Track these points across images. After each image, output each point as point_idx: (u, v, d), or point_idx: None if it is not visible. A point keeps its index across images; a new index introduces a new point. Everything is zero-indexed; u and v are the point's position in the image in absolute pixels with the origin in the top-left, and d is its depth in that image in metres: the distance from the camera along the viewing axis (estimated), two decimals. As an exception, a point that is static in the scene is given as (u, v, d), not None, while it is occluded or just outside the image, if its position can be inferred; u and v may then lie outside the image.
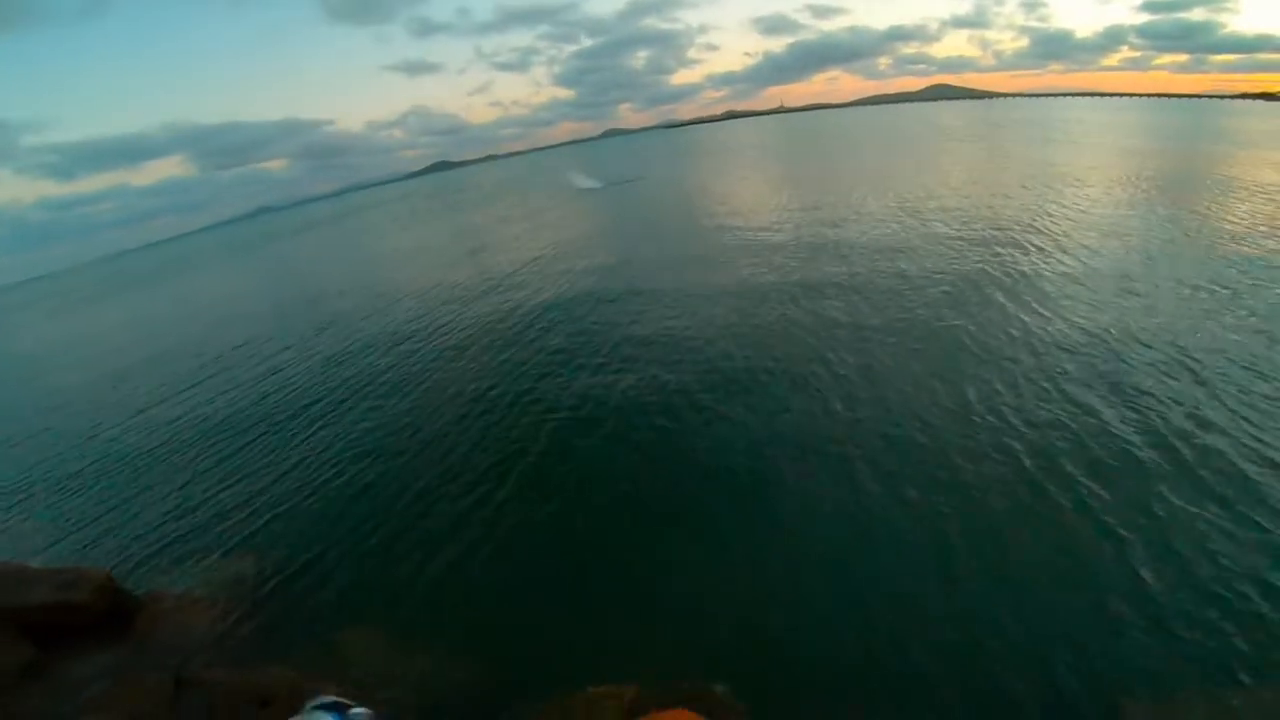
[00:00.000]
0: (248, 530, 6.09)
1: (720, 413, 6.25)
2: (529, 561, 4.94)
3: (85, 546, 6.30)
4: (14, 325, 36.12)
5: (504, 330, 9.92)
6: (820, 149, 42.70)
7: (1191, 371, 5.68)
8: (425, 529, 5.56)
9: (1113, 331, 6.88)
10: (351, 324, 12.42)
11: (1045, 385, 5.83)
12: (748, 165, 34.87)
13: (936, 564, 3.71)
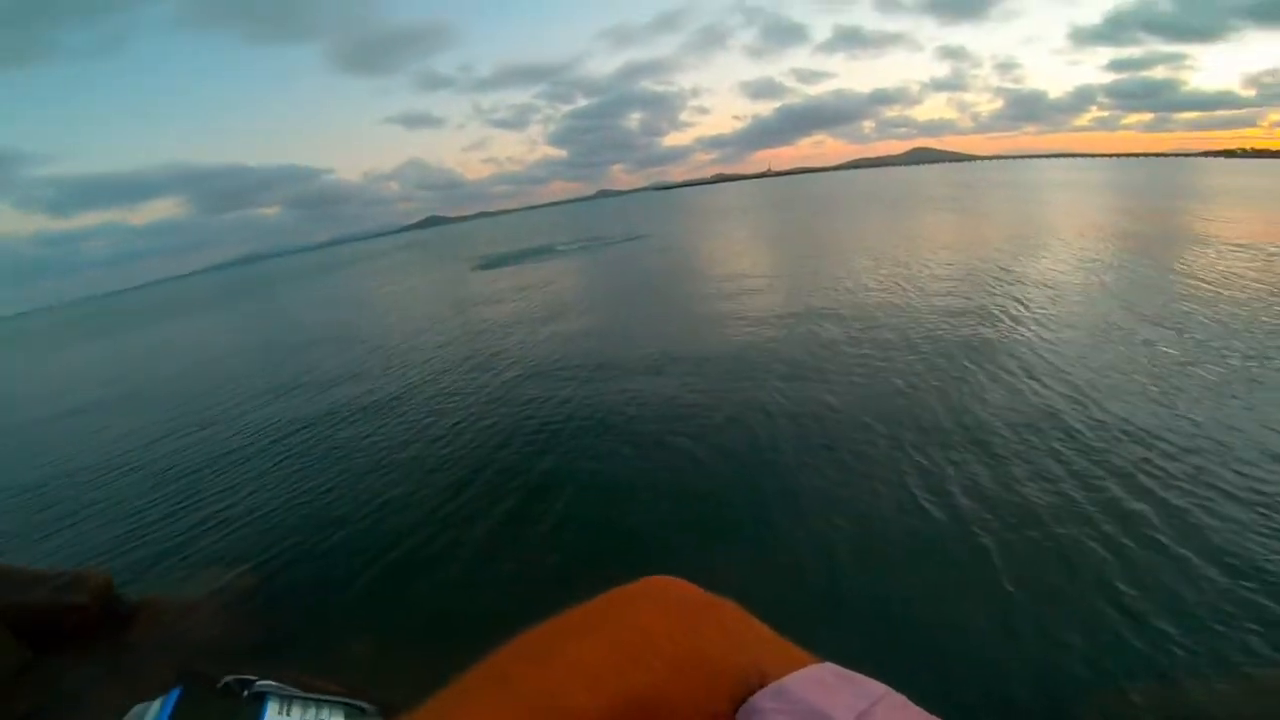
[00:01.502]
0: (249, 543, 6.36)
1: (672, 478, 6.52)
2: (527, 577, 5.23)
3: (87, 550, 6.54)
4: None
5: (484, 380, 10.37)
6: (805, 212, 44.40)
7: (1168, 436, 6.03)
8: (428, 550, 5.87)
9: (1088, 393, 7.34)
10: (352, 367, 12.89)
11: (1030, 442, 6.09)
12: (735, 228, 36.22)
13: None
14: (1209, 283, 11.79)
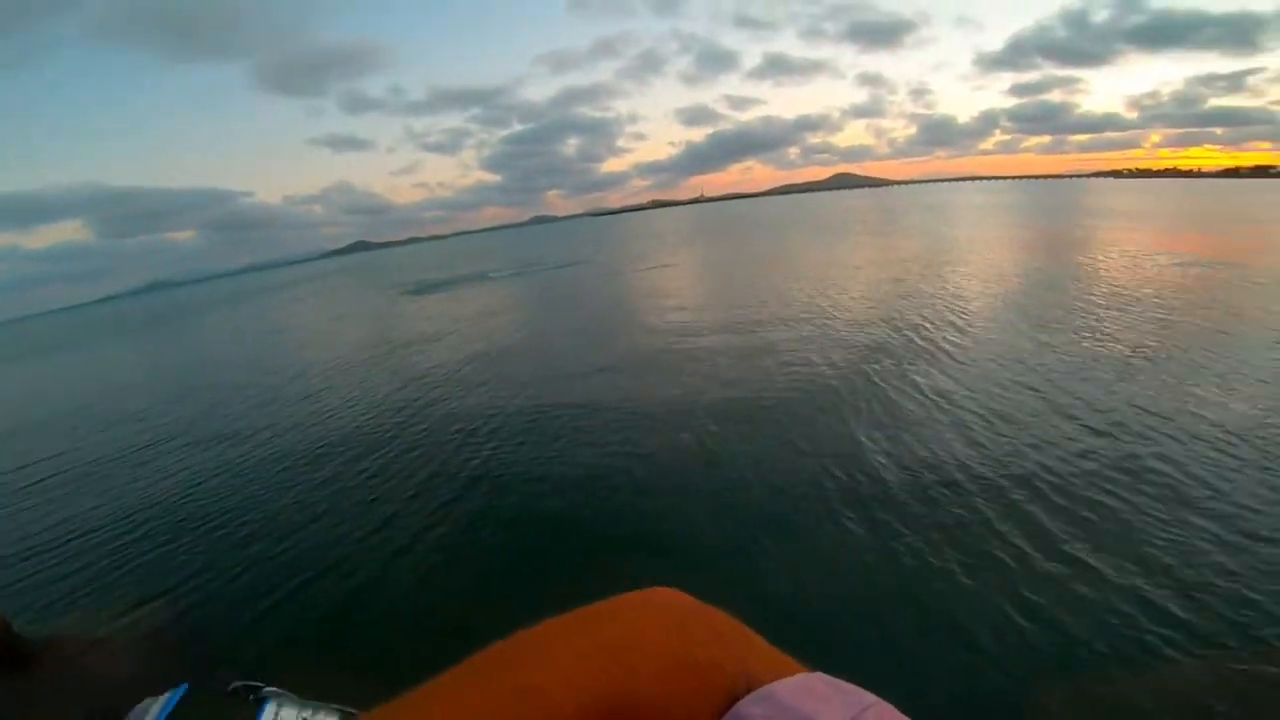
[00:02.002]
0: (160, 576, 5.81)
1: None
2: (452, 604, 4.94)
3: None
4: None
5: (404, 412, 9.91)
6: (738, 238, 45.76)
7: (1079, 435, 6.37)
8: (349, 578, 5.51)
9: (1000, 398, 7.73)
10: (270, 395, 12.08)
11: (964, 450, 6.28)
12: (670, 253, 36.80)
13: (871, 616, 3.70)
14: (1100, 298, 12.89)
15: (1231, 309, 11.09)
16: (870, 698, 0.32)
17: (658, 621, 0.35)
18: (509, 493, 6.42)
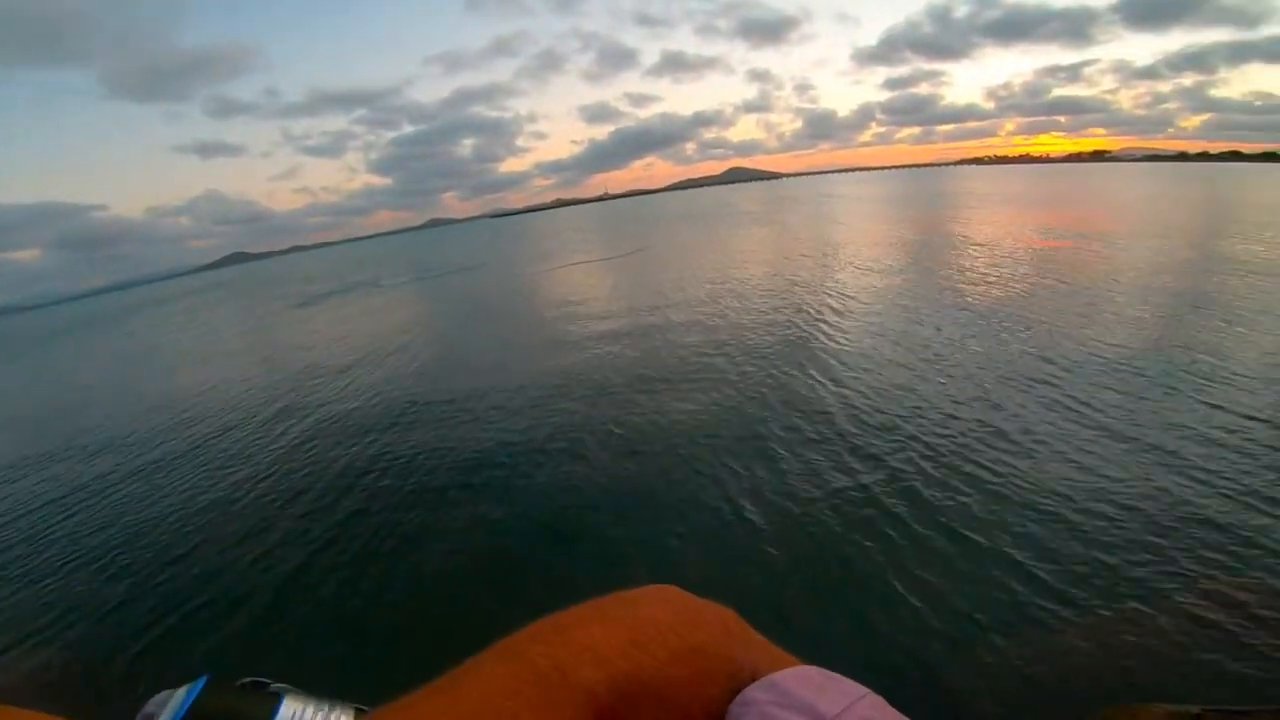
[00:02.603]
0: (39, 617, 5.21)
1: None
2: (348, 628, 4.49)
3: None
4: None
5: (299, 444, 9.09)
6: (637, 231, 46.07)
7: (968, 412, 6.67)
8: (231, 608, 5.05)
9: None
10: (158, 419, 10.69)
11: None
12: (571, 251, 36.36)
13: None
14: (959, 271, 13.98)
15: (1080, 278, 12.35)
16: (862, 689, 0.34)
17: (671, 611, 0.37)
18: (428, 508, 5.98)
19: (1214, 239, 17.48)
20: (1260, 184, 49.40)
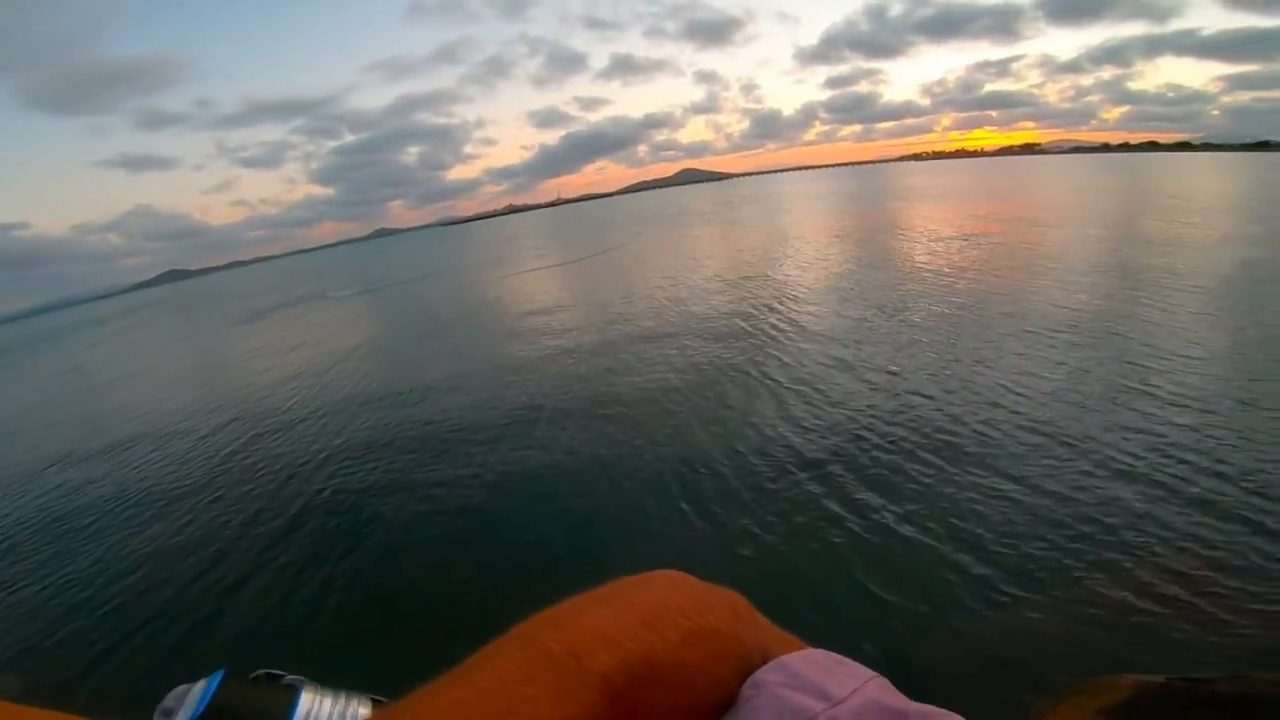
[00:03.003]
0: None
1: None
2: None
3: None
4: None
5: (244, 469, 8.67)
6: (589, 234, 45.91)
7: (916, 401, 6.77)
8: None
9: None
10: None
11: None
12: (524, 257, 35.93)
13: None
14: (902, 271, 14.45)
15: (1006, 270, 12.92)
16: (870, 672, 0.35)
17: (680, 594, 0.38)
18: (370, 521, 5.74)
19: (1132, 225, 18.69)
20: (1175, 172, 52.90)
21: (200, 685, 0.31)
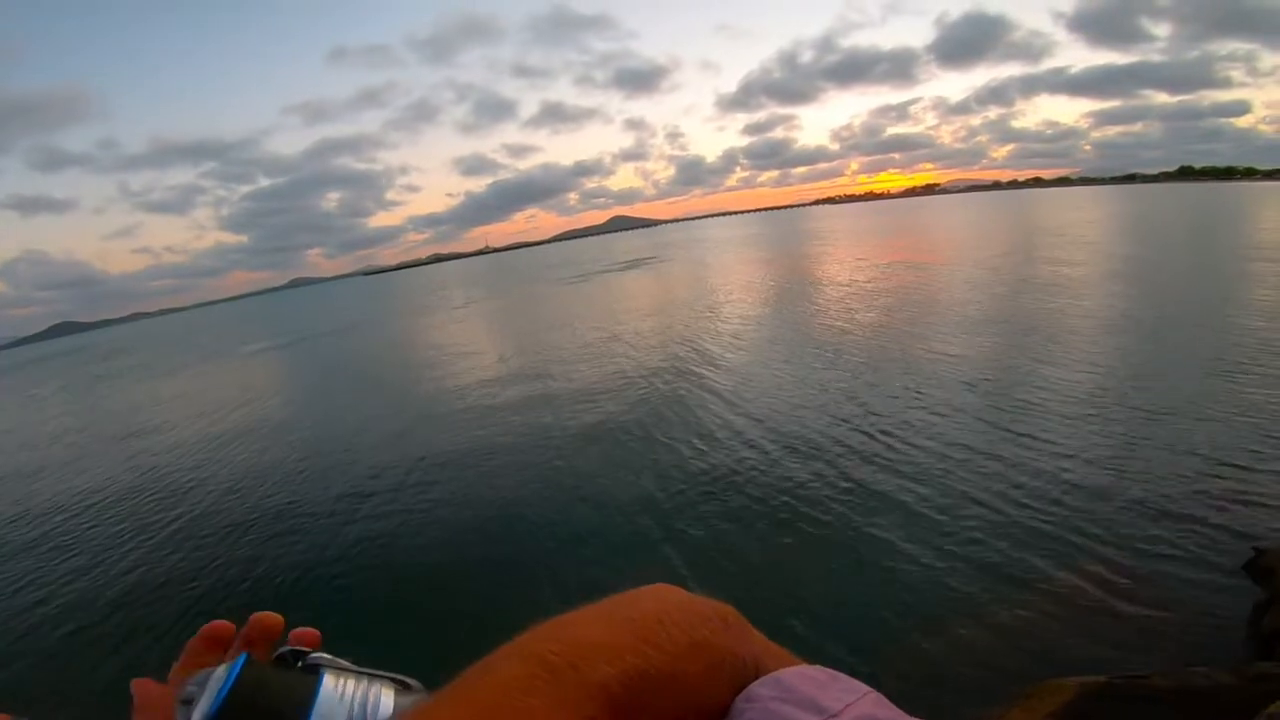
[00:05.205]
0: None
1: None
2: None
3: None
4: None
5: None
6: (518, 283, 45.78)
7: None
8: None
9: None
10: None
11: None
12: (450, 304, 35.27)
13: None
14: (819, 301, 15.16)
15: (911, 293, 13.80)
16: (865, 687, 0.35)
17: (674, 607, 0.38)
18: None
19: (1015, 259, 20.76)
20: (1057, 206, 59.67)
21: (221, 670, 0.30)
